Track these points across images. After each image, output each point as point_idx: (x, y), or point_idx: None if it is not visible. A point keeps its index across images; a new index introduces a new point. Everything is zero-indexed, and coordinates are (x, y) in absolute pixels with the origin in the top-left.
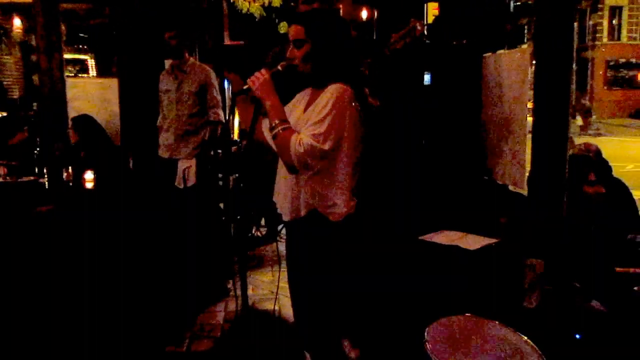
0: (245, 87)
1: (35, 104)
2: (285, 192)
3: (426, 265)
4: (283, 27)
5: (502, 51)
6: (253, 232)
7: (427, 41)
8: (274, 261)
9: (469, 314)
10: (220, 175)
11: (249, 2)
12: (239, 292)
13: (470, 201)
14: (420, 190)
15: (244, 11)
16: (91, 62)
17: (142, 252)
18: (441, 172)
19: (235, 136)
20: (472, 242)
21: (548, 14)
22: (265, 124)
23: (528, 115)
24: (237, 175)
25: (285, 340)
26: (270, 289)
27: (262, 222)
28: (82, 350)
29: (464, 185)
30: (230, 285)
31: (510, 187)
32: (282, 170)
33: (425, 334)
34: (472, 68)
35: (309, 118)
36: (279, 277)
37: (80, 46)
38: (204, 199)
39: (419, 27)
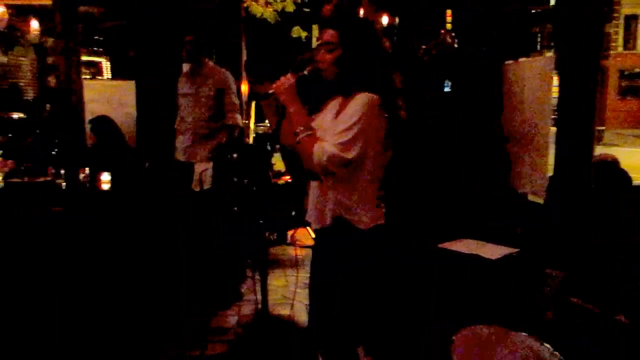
0: (270, 91)
1: (48, 105)
2: (312, 200)
3: (445, 274)
4: (295, 32)
5: (524, 59)
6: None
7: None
8: (285, 265)
9: (494, 324)
10: (235, 179)
11: (263, 7)
12: (254, 297)
13: (488, 210)
14: (440, 198)
15: (257, 16)
16: (105, 65)
17: (156, 255)
18: (461, 180)
19: (251, 140)
20: (492, 251)
21: (574, 21)
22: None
23: (551, 124)
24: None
25: (299, 344)
26: (283, 294)
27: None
28: (94, 354)
29: (483, 193)
30: (243, 290)
31: (530, 197)
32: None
33: (452, 342)
34: (493, 76)
35: (335, 126)
36: (296, 282)
37: (95, 48)
38: (220, 202)
39: (449, 40)
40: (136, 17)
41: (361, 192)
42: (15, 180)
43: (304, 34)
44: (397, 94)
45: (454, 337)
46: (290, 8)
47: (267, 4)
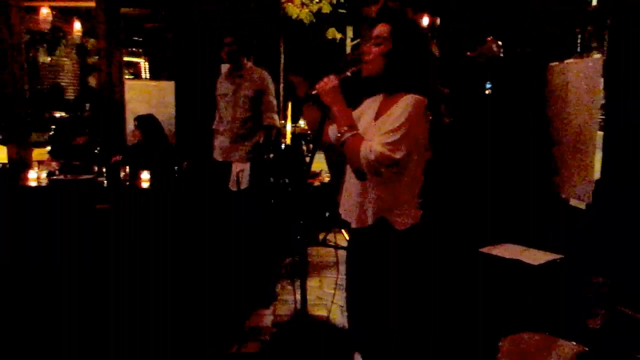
0: (313, 92)
1: (87, 105)
2: (352, 199)
3: (487, 278)
4: (331, 33)
5: (570, 60)
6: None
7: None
8: (320, 266)
9: (541, 332)
10: (272, 179)
11: (299, 8)
12: (289, 297)
13: (531, 214)
14: (481, 202)
15: (293, 17)
16: (144, 65)
17: (194, 254)
18: (503, 184)
19: (288, 140)
20: (535, 256)
21: (628, 20)
22: (332, 130)
23: (597, 127)
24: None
25: (335, 345)
26: (318, 295)
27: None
28: (134, 351)
29: (525, 198)
30: (278, 289)
31: (572, 202)
32: (350, 176)
33: (498, 348)
34: (536, 77)
35: (382, 126)
36: (336, 283)
37: (134, 49)
38: (256, 202)
39: (495, 48)
40: (176, 19)
41: (403, 193)
42: (59, 178)
43: (339, 36)
44: (442, 98)
45: (500, 344)
46: (327, 9)
47: (302, 5)
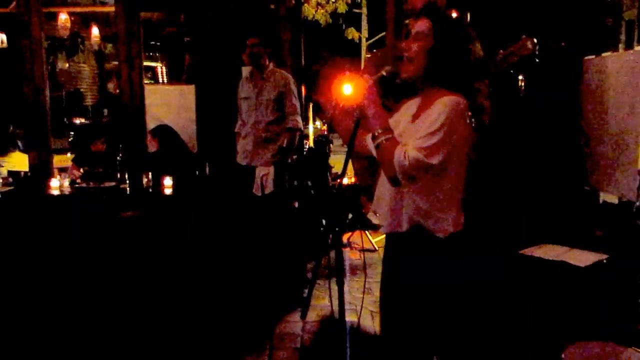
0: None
1: (106, 110)
2: (386, 203)
3: (529, 281)
4: (349, 33)
5: (608, 54)
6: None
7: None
8: (345, 270)
9: (608, 341)
10: (295, 182)
11: (315, 9)
12: (318, 302)
13: (569, 214)
14: (516, 202)
15: (309, 18)
16: (161, 70)
17: (221, 259)
18: (540, 182)
19: (311, 143)
20: (580, 257)
21: None
22: (367, 139)
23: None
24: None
25: (366, 351)
26: (346, 299)
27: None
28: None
29: (561, 196)
30: (306, 294)
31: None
32: (384, 179)
33: (563, 357)
34: (572, 73)
35: (418, 129)
36: (359, 287)
37: (151, 54)
38: (282, 206)
39: (529, 46)
40: (193, 22)
41: (442, 199)
42: (82, 185)
43: (357, 35)
44: (483, 98)
45: (562, 355)
46: (342, 9)
47: (318, 5)
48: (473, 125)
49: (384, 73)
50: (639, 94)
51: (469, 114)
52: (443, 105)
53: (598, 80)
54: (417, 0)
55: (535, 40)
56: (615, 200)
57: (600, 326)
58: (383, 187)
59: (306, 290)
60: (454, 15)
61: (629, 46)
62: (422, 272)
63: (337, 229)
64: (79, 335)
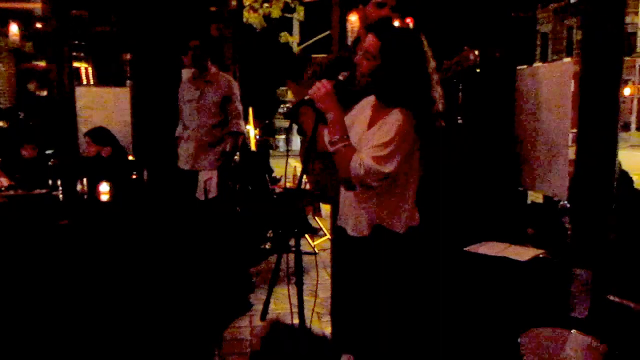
0: (307, 98)
1: (21, 113)
2: (347, 207)
3: (473, 276)
4: (284, 37)
5: (539, 64)
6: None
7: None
8: (291, 274)
9: (554, 327)
10: (237, 186)
11: (249, 12)
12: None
13: (503, 213)
14: (458, 203)
15: (244, 21)
16: (86, 70)
17: (161, 266)
18: (475, 184)
19: (253, 147)
20: (520, 253)
21: (598, 23)
22: (326, 136)
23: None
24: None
25: (316, 354)
26: (293, 302)
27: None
28: None
29: (498, 197)
30: (252, 300)
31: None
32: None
33: (520, 344)
34: (506, 81)
35: (372, 138)
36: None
37: (75, 53)
38: (226, 211)
39: (471, 57)
40: (130, 22)
41: (397, 202)
42: (10, 193)
43: (292, 39)
44: (435, 107)
45: (520, 340)
46: (276, 14)
47: (251, 9)
48: (425, 133)
49: (340, 78)
50: (568, 101)
51: (419, 124)
52: (395, 118)
53: (531, 88)
54: (371, 12)
55: (476, 52)
56: (541, 200)
57: (543, 314)
58: (344, 192)
59: (252, 295)
60: (410, 24)
61: (544, 57)
62: (386, 266)
63: (297, 231)
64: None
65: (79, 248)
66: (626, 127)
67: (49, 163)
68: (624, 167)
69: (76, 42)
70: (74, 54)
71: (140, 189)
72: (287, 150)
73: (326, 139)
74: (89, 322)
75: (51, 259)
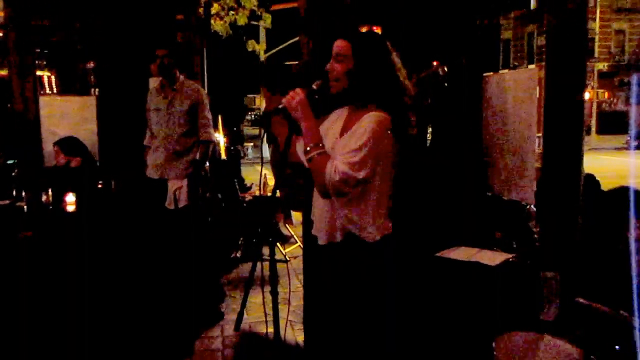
0: (280, 106)
1: None
2: (320, 215)
3: (445, 281)
4: (250, 45)
5: (505, 71)
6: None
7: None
8: (263, 282)
9: (529, 331)
10: (207, 194)
11: (215, 20)
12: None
13: (473, 218)
14: (428, 209)
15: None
16: (48, 79)
17: (131, 276)
18: (444, 189)
19: (223, 155)
20: (491, 257)
21: (562, 31)
22: (300, 145)
23: (537, 132)
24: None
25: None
26: (263, 311)
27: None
28: None
29: (468, 202)
30: (223, 309)
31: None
32: (317, 193)
33: (494, 349)
34: (473, 88)
35: (346, 144)
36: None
37: (38, 62)
38: (196, 220)
39: (441, 73)
40: (94, 30)
41: (371, 209)
42: None
43: (259, 47)
44: (407, 111)
45: (494, 344)
46: (242, 21)
47: (217, 17)
48: (400, 138)
49: (314, 87)
50: (533, 107)
51: (393, 128)
52: (368, 122)
53: (497, 95)
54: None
55: (445, 68)
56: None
57: (515, 318)
58: (317, 200)
59: (223, 305)
60: (377, 31)
61: (506, 63)
62: (358, 277)
63: (271, 239)
64: None
65: (42, 260)
66: (587, 131)
67: (12, 174)
68: (587, 170)
69: (38, 50)
70: (37, 62)
71: (108, 199)
72: (261, 158)
73: (300, 148)
74: (52, 336)
75: (12, 271)
